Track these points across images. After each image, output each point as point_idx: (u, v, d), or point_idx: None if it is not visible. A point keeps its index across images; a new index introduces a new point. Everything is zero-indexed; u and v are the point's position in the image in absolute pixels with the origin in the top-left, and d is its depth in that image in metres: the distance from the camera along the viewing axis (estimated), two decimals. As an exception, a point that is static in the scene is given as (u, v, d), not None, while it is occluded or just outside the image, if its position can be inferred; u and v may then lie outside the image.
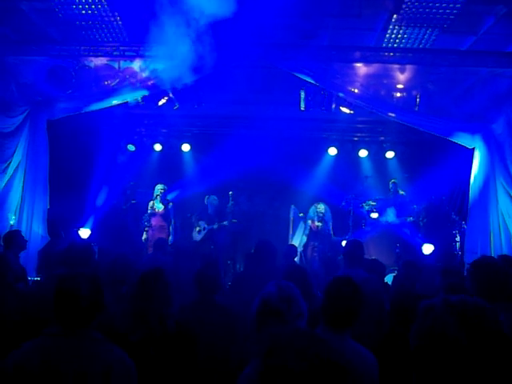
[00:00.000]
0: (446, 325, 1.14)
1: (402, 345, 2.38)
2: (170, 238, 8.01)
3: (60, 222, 6.96)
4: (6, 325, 2.74)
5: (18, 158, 6.57)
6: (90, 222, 8.18)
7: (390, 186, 8.72)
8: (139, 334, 2.38)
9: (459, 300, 1.18)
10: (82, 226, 7.84)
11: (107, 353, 1.84)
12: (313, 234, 8.07)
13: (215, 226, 8.42)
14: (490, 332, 1.12)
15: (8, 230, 5.42)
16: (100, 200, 8.70)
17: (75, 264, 3.28)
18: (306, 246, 8.09)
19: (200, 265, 5.02)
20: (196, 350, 2.49)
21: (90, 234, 7.75)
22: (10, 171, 6.53)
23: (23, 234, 5.87)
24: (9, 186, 6.51)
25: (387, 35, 6.04)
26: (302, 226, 8.44)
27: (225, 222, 8.43)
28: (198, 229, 8.59)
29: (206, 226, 8.53)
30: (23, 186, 6.53)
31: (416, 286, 4.21)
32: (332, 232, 8.23)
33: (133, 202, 9.01)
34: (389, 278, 6.20)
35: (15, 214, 6.42)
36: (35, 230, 6.49)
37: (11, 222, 6.36)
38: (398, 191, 8.65)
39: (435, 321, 1.17)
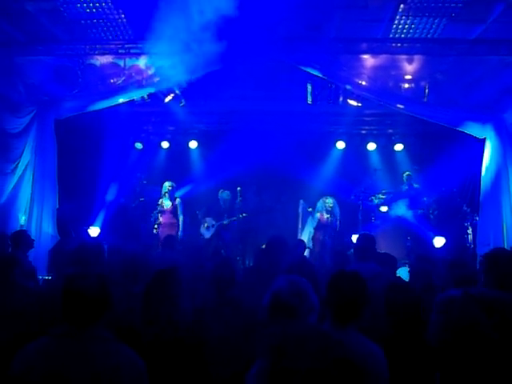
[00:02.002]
0: (475, 317, 1.10)
1: (407, 339, 2.35)
2: (180, 234, 8.03)
3: (69, 221, 7.02)
4: (17, 323, 2.76)
5: (26, 158, 6.61)
6: (100, 220, 8.22)
7: (405, 178, 8.63)
8: (149, 334, 2.37)
9: (480, 292, 1.15)
10: (92, 225, 7.89)
11: (116, 352, 1.82)
12: (321, 227, 8.02)
13: (225, 222, 8.43)
14: None
15: (14, 231, 5.47)
16: (109, 198, 8.74)
17: (86, 263, 3.28)
18: (314, 239, 8.05)
19: (211, 262, 4.99)
20: (203, 353, 2.47)
21: (100, 233, 7.79)
22: (19, 171, 6.57)
23: (33, 233, 5.94)
24: (18, 186, 6.56)
25: (394, 26, 5.96)
26: (310, 220, 8.40)
27: (235, 218, 8.42)
28: (206, 225, 8.60)
29: (214, 222, 8.53)
30: (32, 186, 6.57)
31: (433, 280, 4.11)
32: (338, 226, 8.16)
33: (141, 199, 9.04)
34: (400, 271, 6.14)
35: (25, 214, 6.46)
36: (45, 230, 6.54)
37: (21, 222, 6.41)
38: (412, 184, 8.55)
39: (461, 314, 1.13)
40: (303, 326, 1.25)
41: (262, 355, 1.16)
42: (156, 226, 8.00)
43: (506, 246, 5.95)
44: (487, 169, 6.71)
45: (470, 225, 7.48)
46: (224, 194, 8.68)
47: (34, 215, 6.49)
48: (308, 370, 1.06)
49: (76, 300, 1.85)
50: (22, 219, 6.42)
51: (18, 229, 5.93)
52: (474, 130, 6.83)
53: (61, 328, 1.86)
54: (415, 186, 8.59)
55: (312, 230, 8.11)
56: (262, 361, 1.16)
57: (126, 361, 1.81)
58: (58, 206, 6.84)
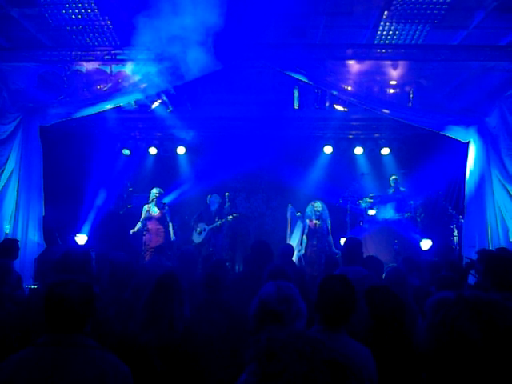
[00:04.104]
0: (458, 320, 1.10)
1: (387, 340, 2.37)
2: (173, 240, 7.99)
3: (56, 229, 6.93)
4: (3, 333, 2.71)
5: (11, 166, 6.52)
6: (87, 227, 8.14)
7: (392, 182, 8.75)
8: (148, 337, 2.35)
9: (474, 296, 1.14)
10: (79, 232, 7.80)
11: (100, 360, 1.80)
12: (311, 233, 8.05)
13: (218, 223, 8.42)
14: (506, 327, 1.08)
15: (6, 239, 5.38)
16: (96, 205, 8.66)
17: (72, 271, 3.25)
18: (305, 244, 8.06)
19: (201, 267, 4.97)
20: (199, 356, 2.46)
21: (87, 240, 7.71)
22: (4, 179, 6.47)
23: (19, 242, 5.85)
24: (3, 194, 6.45)
25: (379, 32, 6.05)
26: (299, 225, 8.43)
27: (229, 217, 8.41)
28: (198, 230, 8.57)
29: (206, 226, 8.52)
30: (17, 194, 6.47)
31: (409, 281, 4.14)
32: (330, 230, 8.21)
33: (129, 206, 8.98)
34: (388, 275, 6.19)
35: (10, 222, 6.36)
36: (31, 238, 6.44)
37: (6, 231, 6.30)
38: (399, 187, 8.67)
39: (451, 318, 1.13)
40: (291, 331, 1.25)
41: (250, 362, 1.16)
42: (144, 233, 7.95)
43: (490, 247, 6.05)
44: (471, 171, 6.83)
45: (456, 227, 7.59)
46: (213, 198, 8.68)
47: (20, 223, 6.40)
48: (297, 374, 1.06)
49: (58, 308, 1.82)
50: (7, 227, 6.31)
51: (3, 237, 5.84)
52: (457, 133, 6.95)
53: (45, 337, 1.83)
54: (402, 189, 8.70)
55: (304, 237, 8.12)
56: (250, 367, 1.16)
57: (110, 368, 1.79)
58: (44, 214, 6.75)
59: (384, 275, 3.92)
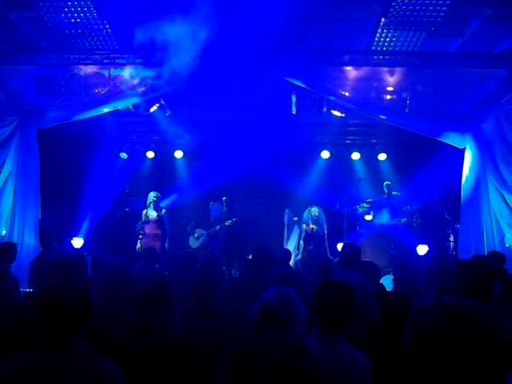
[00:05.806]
0: (436, 324, 1.12)
1: (392, 346, 2.38)
2: (166, 245, 7.97)
3: (52, 232, 6.91)
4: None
5: (8, 169, 6.51)
6: (83, 231, 8.11)
7: (384, 187, 8.79)
8: (141, 344, 2.34)
9: (451, 301, 1.17)
10: (75, 236, 7.78)
11: (96, 365, 1.79)
12: (308, 238, 8.07)
13: (217, 228, 8.42)
14: (484, 332, 1.11)
15: (4, 242, 5.37)
16: (93, 209, 8.63)
17: (66, 274, 3.23)
18: (302, 249, 8.07)
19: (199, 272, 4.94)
20: (197, 363, 2.45)
21: (84, 244, 7.68)
22: (0, 182, 6.46)
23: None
24: (-1, 196, 6.45)
25: (376, 38, 6.10)
26: (296, 229, 8.43)
27: (227, 222, 8.42)
28: (196, 235, 8.59)
29: (204, 231, 8.53)
30: (14, 197, 6.46)
31: (419, 287, 4.16)
32: (326, 235, 8.22)
33: (126, 210, 8.96)
34: (384, 280, 6.20)
35: (6, 225, 6.34)
36: (27, 241, 6.42)
37: (2, 233, 6.28)
38: (391, 193, 8.71)
39: (425, 321, 1.15)
40: (268, 336, 1.24)
41: (226, 363, 1.16)
42: (140, 237, 7.93)
43: (486, 253, 6.07)
44: (467, 177, 6.87)
45: (452, 232, 7.62)
46: (215, 206, 8.73)
47: (16, 226, 6.37)
48: (265, 377, 1.06)
49: (54, 312, 1.81)
50: (3, 230, 6.29)
51: (-1, 240, 5.83)
52: (454, 139, 6.99)
53: (40, 341, 1.82)
54: (394, 193, 8.73)
55: (301, 242, 8.13)
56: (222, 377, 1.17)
57: (105, 373, 1.78)
58: (40, 217, 6.73)
59: (393, 283, 3.94)
